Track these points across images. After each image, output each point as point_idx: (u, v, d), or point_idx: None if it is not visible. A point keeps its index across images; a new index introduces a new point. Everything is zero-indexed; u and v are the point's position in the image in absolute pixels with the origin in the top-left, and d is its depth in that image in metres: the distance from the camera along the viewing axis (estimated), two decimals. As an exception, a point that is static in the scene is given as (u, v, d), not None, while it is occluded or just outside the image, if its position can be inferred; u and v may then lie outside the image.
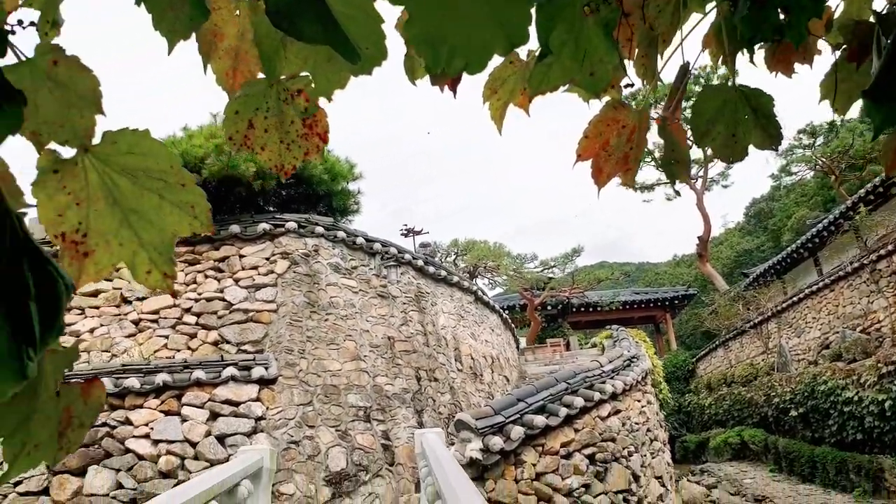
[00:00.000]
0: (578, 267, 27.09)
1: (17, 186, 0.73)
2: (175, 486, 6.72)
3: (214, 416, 7.48)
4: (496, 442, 6.49)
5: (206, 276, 8.97)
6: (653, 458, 8.65)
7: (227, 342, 8.51)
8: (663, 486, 8.70)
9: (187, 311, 8.70)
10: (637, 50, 1.44)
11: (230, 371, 7.67)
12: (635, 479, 7.57)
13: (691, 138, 1.36)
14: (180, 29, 0.91)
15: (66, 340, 8.12)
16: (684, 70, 1.43)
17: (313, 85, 1.05)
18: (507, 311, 18.14)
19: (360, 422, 8.67)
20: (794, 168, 31.21)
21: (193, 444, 7.24)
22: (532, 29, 0.84)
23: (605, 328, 20.90)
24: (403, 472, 8.76)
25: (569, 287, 25.01)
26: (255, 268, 9.09)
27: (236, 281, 8.96)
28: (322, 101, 1.06)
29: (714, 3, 1.40)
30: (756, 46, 1.39)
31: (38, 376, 0.66)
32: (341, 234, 9.93)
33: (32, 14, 0.86)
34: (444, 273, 12.35)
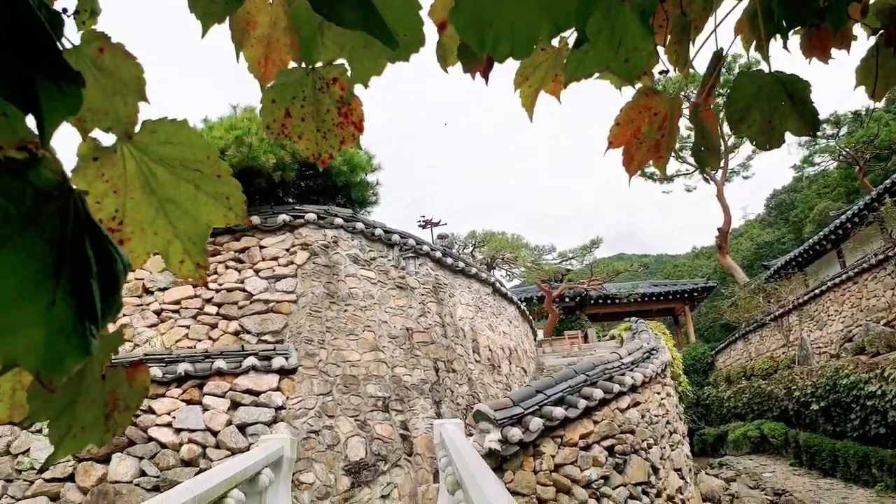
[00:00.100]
0: (597, 259, 26.91)
1: (64, 172, 0.74)
2: (196, 474, 6.81)
3: (235, 405, 7.57)
4: (515, 433, 6.49)
5: (227, 267, 9.05)
6: (672, 450, 8.61)
7: (248, 332, 8.59)
8: (682, 478, 8.67)
9: (208, 301, 8.79)
10: (669, 37, 1.42)
11: (251, 361, 7.74)
12: (654, 471, 7.54)
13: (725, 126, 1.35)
14: (215, 12, 0.91)
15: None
16: (717, 56, 1.41)
17: (349, 73, 1.05)
18: (524, 303, 18.10)
19: (379, 412, 8.72)
20: (817, 158, 30.75)
21: (215, 433, 7.34)
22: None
23: (623, 320, 20.79)
24: (422, 463, 8.80)
25: (587, 279, 24.88)
26: (275, 259, 9.16)
27: (256, 272, 9.04)
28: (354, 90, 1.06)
29: (750, -12, 1.37)
30: (790, 32, 1.37)
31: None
32: (360, 225, 9.96)
33: (70, 2, 0.87)
34: (461, 264, 12.35)
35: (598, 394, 7.28)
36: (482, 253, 23.29)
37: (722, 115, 1.40)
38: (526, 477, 6.57)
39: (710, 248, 42.65)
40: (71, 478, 6.95)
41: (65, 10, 0.73)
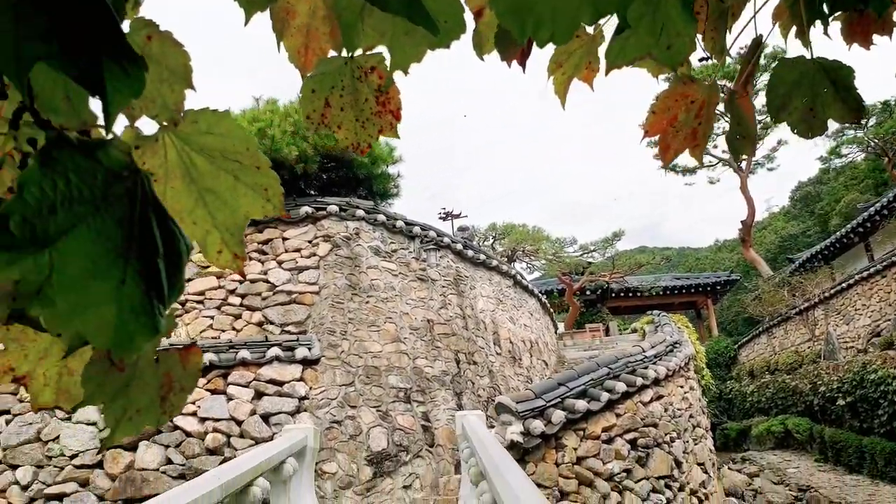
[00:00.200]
0: (618, 251, 26.69)
1: (131, 153, 0.75)
2: (221, 462, 6.92)
3: (259, 395, 7.65)
4: (537, 425, 6.49)
5: (251, 258, 9.14)
6: (695, 444, 8.55)
7: (271, 323, 8.68)
8: (706, 472, 8.61)
9: (232, 292, 8.89)
10: (706, 23, 1.40)
11: (274, 351, 7.82)
12: (677, 465, 7.50)
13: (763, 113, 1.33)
14: (258, 1, 0.91)
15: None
16: (756, 44, 1.38)
17: (387, 61, 1.05)
18: (545, 296, 18.04)
19: (401, 403, 8.76)
20: (844, 150, 30.17)
21: (239, 423, 7.43)
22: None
23: (644, 314, 20.63)
24: (443, 454, 8.84)
25: (609, 272, 24.69)
26: (297, 250, 9.23)
27: (279, 263, 9.12)
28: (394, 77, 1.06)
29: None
30: (831, 18, 1.34)
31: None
32: (381, 217, 9.99)
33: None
34: (482, 257, 12.34)
35: (620, 387, 7.24)
36: (502, 245, 23.23)
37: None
38: (548, 469, 6.57)
39: (733, 241, 42.14)
40: (100, 465, 7.09)
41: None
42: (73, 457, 7.12)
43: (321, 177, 10.77)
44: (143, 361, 0.68)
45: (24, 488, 6.99)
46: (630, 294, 28.38)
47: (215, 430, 7.32)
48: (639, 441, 7.13)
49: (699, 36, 1.45)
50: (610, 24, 1.34)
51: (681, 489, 7.43)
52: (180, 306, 8.88)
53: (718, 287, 30.03)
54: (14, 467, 7.09)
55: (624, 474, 6.81)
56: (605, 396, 7.01)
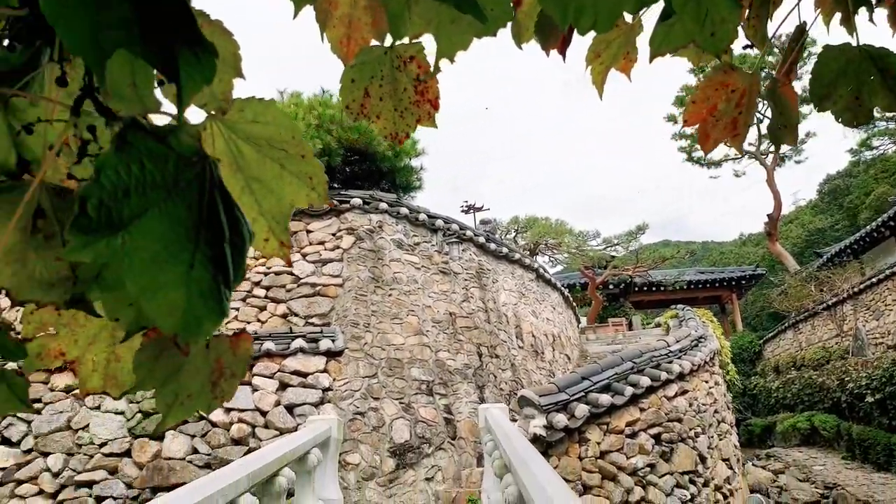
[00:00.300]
0: (642, 245, 26.42)
1: (200, 138, 0.76)
2: (246, 452, 7.01)
3: (284, 386, 7.73)
4: (560, 419, 6.47)
5: (275, 251, 9.21)
6: (720, 439, 8.46)
7: (296, 315, 8.75)
8: (730, 468, 8.52)
9: (257, 284, 8.97)
10: (748, 11, 1.37)
11: (299, 343, 7.89)
12: (702, 460, 7.43)
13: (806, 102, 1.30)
14: (307, -5, 0.92)
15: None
16: (800, 31, 1.35)
17: (426, 51, 1.05)
18: (567, 290, 17.95)
19: (423, 395, 8.79)
20: (875, 142, 29.52)
21: (264, 413, 7.52)
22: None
23: (668, 308, 20.43)
24: (465, 447, 8.86)
25: (632, 266, 24.47)
26: (321, 243, 9.29)
27: (304, 255, 9.19)
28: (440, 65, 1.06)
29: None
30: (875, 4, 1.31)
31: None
32: (404, 210, 10.01)
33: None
34: (505, 250, 12.31)
35: (644, 381, 7.19)
36: (525, 239, 23.13)
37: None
38: (571, 463, 6.55)
39: (758, 234, 41.47)
40: (128, 453, 7.23)
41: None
42: (102, 445, 7.26)
43: (345, 170, 10.82)
44: (194, 347, 0.69)
45: (56, 475, 7.15)
46: (653, 288, 28.11)
47: (240, 421, 7.41)
48: (663, 436, 7.07)
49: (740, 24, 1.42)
50: (649, 13, 1.33)
51: (705, 485, 7.37)
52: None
53: (743, 281, 29.60)
54: (45, 455, 7.26)
55: (647, 469, 6.77)
56: (629, 391, 6.97)
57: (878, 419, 14.90)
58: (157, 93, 0.65)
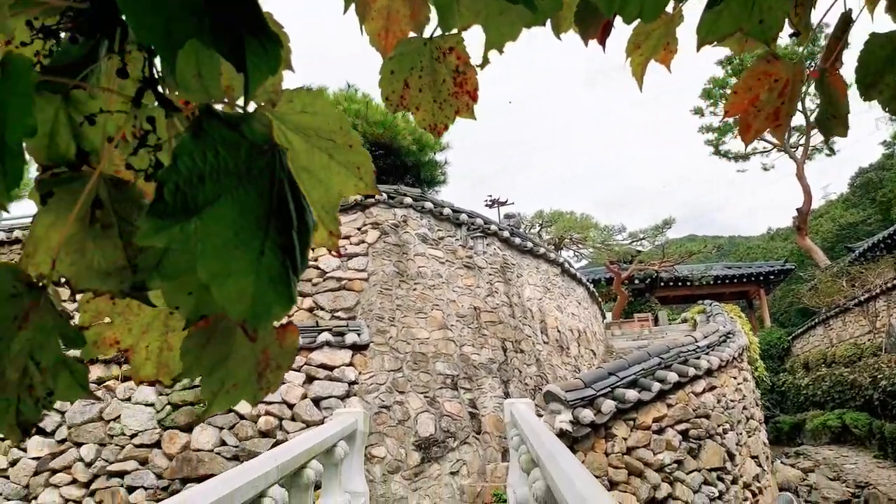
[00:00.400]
0: (668, 239, 26.07)
1: (271, 126, 0.77)
2: (273, 445, 7.09)
3: (310, 379, 7.80)
4: (586, 415, 6.44)
5: (301, 246, 9.29)
6: (749, 436, 8.36)
7: (322, 309, 8.82)
8: (759, 466, 8.41)
9: (283, 278, 9.05)
10: (791, -2, 1.34)
11: (325, 336, 7.95)
12: (730, 457, 7.34)
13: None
14: (354, -10, 0.92)
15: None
16: (845, 20, 1.32)
17: (465, 43, 1.04)
18: (592, 285, 17.82)
19: (448, 389, 8.81)
20: (909, 134, 28.75)
21: (291, 406, 7.59)
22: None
23: (694, 304, 20.17)
24: (490, 441, 8.87)
25: (658, 260, 24.19)
26: (347, 237, 9.34)
27: (329, 250, 9.24)
28: (475, 60, 1.06)
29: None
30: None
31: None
32: (429, 204, 10.02)
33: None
34: (529, 244, 12.25)
35: (672, 377, 7.12)
36: (549, 233, 23.00)
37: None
38: (597, 459, 6.52)
39: (786, 229, 40.73)
40: (157, 444, 7.36)
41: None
42: (132, 436, 7.40)
43: (369, 164, 10.84)
44: (240, 337, 0.70)
45: (88, 465, 7.31)
46: (679, 283, 27.75)
47: (268, 413, 7.50)
48: (690, 432, 7.00)
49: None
50: (689, 3, 1.31)
51: (734, 482, 7.28)
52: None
53: (772, 277, 29.09)
54: (78, 445, 7.42)
55: (675, 465, 6.71)
56: (656, 386, 6.91)
57: (911, 417, 14.58)
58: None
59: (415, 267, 9.53)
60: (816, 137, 28.15)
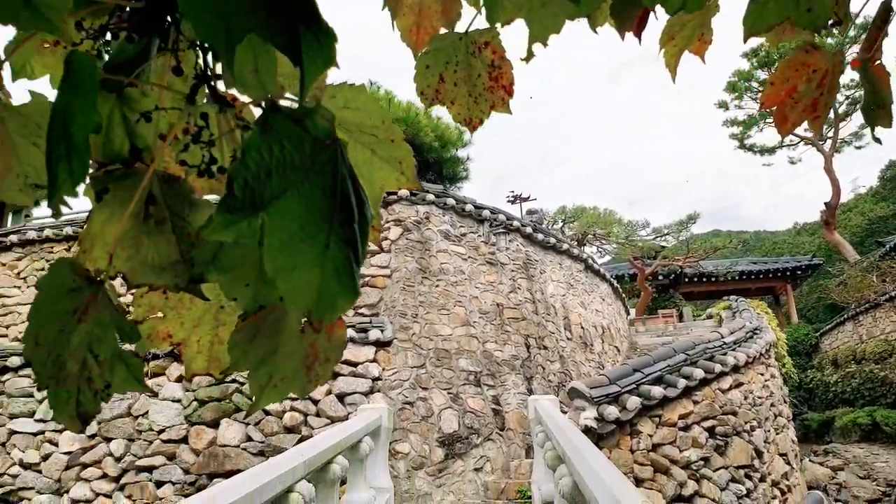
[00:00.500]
0: (692, 235, 25.73)
1: (333, 121, 0.79)
2: (298, 440, 7.16)
3: (334, 375, 7.85)
4: (612, 411, 6.40)
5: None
6: (777, 434, 8.24)
7: (345, 306, 8.87)
8: (788, 463, 8.29)
9: (307, 275, 9.12)
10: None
11: (349, 333, 7.99)
12: (758, 454, 7.25)
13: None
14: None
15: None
16: (886, 7, 1.29)
17: (501, 37, 1.04)
18: (616, 281, 17.69)
19: (471, 386, 8.82)
20: (941, 126, 28.02)
21: (315, 402, 7.66)
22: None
23: (719, 299, 19.90)
24: (514, 438, 8.86)
25: (682, 256, 23.92)
26: (369, 234, 9.38)
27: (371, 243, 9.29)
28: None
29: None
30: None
31: (282, 312, 0.70)
32: (451, 201, 10.01)
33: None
34: (552, 240, 12.19)
35: (698, 373, 7.05)
36: (572, 229, 22.85)
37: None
38: (623, 455, 6.48)
39: (813, 223, 40.03)
40: (185, 440, 7.47)
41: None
42: (160, 431, 7.52)
43: (391, 161, 10.87)
44: (287, 331, 0.70)
45: (118, 460, 7.45)
46: (704, 279, 27.41)
47: (293, 409, 7.57)
48: (717, 429, 6.93)
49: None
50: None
51: (762, 480, 7.19)
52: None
53: (799, 272, 28.59)
54: (108, 440, 7.57)
55: (701, 462, 6.64)
56: (681, 383, 6.84)
57: (945, 415, 14.26)
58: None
59: (437, 263, 9.54)
60: (845, 130, 27.58)
